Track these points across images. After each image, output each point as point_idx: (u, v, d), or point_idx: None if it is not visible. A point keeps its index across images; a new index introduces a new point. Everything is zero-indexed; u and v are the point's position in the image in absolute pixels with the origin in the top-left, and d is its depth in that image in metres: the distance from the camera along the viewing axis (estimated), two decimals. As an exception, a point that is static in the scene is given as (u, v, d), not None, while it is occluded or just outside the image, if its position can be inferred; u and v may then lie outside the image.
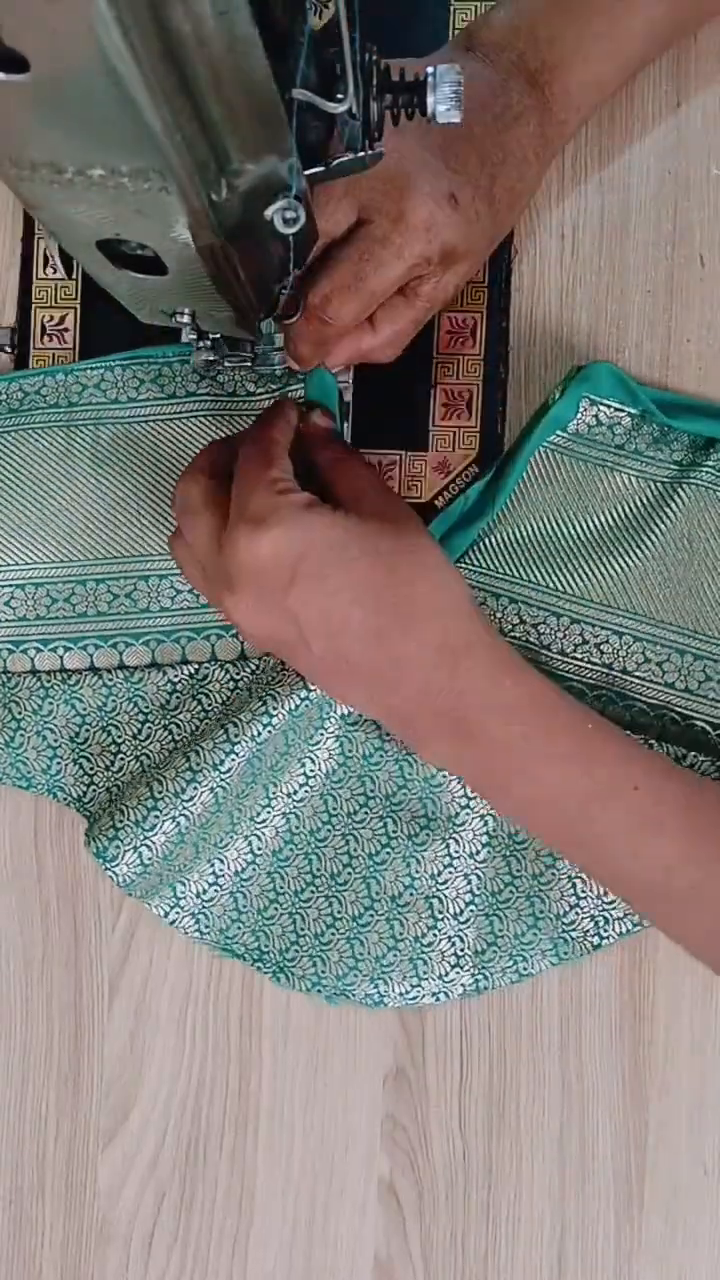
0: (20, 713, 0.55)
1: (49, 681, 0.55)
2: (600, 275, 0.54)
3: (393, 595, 0.44)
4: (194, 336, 0.48)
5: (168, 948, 0.56)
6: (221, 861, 0.53)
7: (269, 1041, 0.55)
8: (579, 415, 0.53)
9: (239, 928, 0.54)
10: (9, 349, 0.56)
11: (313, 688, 0.52)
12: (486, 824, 0.52)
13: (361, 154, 0.38)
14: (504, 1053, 0.54)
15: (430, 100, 0.39)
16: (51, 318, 0.56)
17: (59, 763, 0.55)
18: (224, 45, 0.27)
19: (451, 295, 0.50)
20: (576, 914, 0.52)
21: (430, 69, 0.39)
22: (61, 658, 0.55)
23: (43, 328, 0.56)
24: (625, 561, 0.52)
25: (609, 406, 0.53)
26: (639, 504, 0.52)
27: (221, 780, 0.52)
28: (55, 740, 0.55)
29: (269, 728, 0.52)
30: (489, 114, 0.47)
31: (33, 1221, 0.56)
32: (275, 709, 0.52)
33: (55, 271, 0.56)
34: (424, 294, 0.48)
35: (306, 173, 0.37)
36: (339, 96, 0.35)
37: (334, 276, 0.46)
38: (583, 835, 0.47)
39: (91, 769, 0.55)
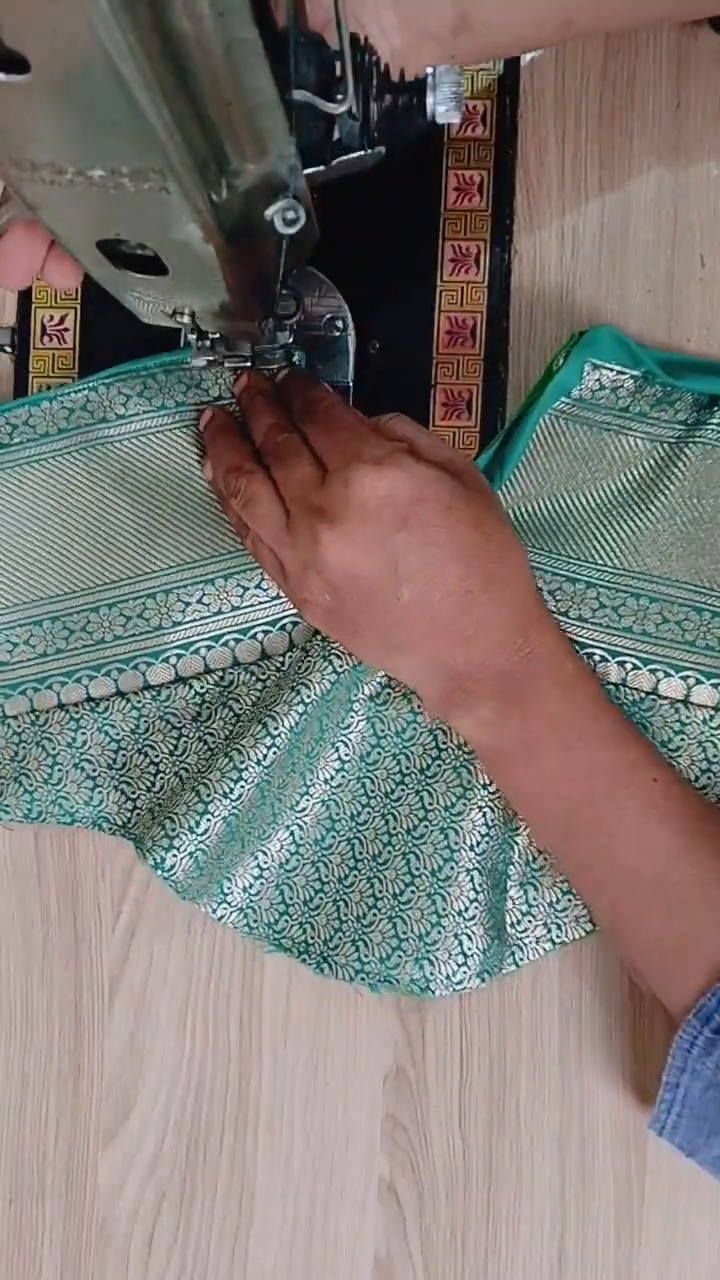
0: (54, 749, 0.54)
1: (78, 713, 0.54)
2: (600, 275, 0.54)
3: (485, 562, 0.47)
4: (194, 336, 0.48)
5: (168, 948, 0.56)
6: (265, 854, 0.53)
7: (269, 1041, 0.55)
8: (584, 381, 0.53)
9: (287, 920, 0.54)
10: (9, 349, 0.56)
11: (340, 668, 0.51)
12: None
13: (361, 154, 0.38)
14: (504, 1052, 0.54)
15: (430, 100, 0.39)
16: (51, 318, 0.56)
17: (100, 792, 0.54)
18: (224, 46, 0.27)
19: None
20: None
21: (430, 68, 0.39)
22: (87, 687, 0.54)
23: (43, 328, 0.56)
24: (636, 523, 0.52)
25: (612, 370, 0.53)
26: (647, 466, 0.52)
27: (265, 774, 0.52)
28: (94, 770, 0.54)
29: (304, 716, 0.52)
30: None
31: (33, 1221, 0.56)
32: (308, 695, 0.52)
33: (55, 271, 0.56)
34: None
35: (306, 173, 0.37)
36: (339, 97, 0.35)
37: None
38: (595, 817, 0.47)
39: (134, 792, 0.54)
